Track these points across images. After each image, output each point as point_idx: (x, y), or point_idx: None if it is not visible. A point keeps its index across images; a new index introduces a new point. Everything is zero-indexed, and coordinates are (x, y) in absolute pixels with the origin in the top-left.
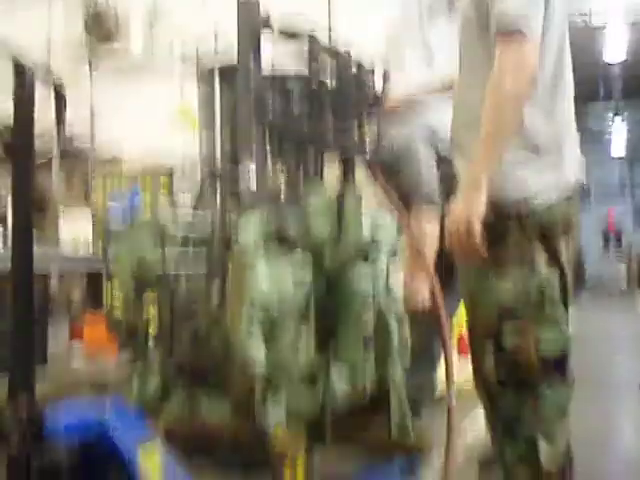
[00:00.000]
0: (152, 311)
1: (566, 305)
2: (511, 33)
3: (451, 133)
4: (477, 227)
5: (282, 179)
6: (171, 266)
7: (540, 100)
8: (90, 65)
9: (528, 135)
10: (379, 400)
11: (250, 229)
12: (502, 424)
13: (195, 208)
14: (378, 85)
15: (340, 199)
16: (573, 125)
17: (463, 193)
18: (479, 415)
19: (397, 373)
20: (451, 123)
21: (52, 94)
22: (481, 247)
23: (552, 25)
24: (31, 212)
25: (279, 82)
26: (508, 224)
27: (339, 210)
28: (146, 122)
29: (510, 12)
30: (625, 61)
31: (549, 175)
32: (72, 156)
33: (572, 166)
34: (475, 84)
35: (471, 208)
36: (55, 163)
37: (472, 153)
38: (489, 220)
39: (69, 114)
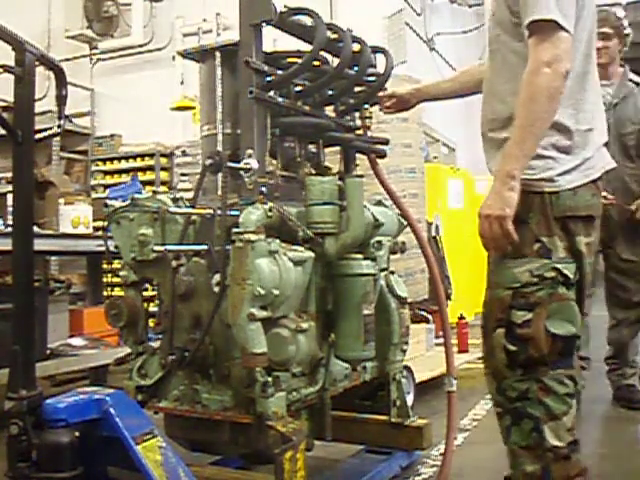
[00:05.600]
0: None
1: (581, 291)
2: (546, 26)
3: (481, 127)
4: (509, 223)
5: (283, 165)
6: (172, 246)
7: (569, 91)
8: (90, 51)
9: (556, 124)
10: (379, 384)
11: (252, 217)
12: (508, 409)
13: (196, 194)
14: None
15: (342, 188)
16: (601, 113)
17: (495, 188)
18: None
19: (396, 357)
20: (481, 117)
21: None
22: (512, 240)
23: (583, 17)
24: (32, 192)
25: (280, 58)
26: (531, 203)
27: (341, 199)
28: (147, 108)
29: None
30: None
31: (576, 160)
32: (72, 135)
33: (599, 154)
34: (507, 78)
35: (504, 204)
36: (55, 142)
37: (505, 147)
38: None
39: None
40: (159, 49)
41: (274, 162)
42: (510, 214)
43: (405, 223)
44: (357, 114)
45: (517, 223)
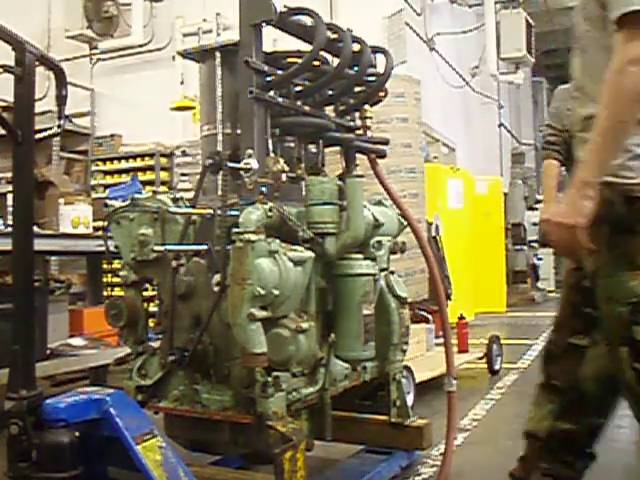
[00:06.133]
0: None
1: None
2: (635, 20)
3: (572, 127)
4: (582, 233)
5: (284, 166)
6: (172, 246)
7: None
8: (90, 51)
9: None
10: (379, 384)
11: (252, 217)
12: None
13: (196, 194)
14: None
15: (342, 188)
16: None
17: (570, 195)
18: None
19: (396, 357)
20: (572, 116)
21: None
22: (586, 249)
23: None
24: (32, 192)
25: (280, 58)
26: (638, 209)
27: (341, 199)
28: (147, 108)
29: None
30: None
31: None
32: (72, 135)
33: None
34: (598, 76)
35: (576, 214)
36: (55, 142)
37: (584, 152)
38: (617, 208)
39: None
40: (159, 49)
41: (281, 161)
42: (583, 223)
43: (405, 223)
44: (357, 114)
45: (626, 233)
